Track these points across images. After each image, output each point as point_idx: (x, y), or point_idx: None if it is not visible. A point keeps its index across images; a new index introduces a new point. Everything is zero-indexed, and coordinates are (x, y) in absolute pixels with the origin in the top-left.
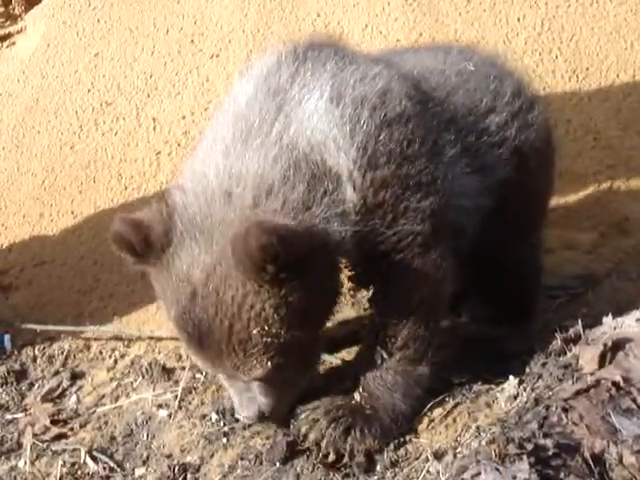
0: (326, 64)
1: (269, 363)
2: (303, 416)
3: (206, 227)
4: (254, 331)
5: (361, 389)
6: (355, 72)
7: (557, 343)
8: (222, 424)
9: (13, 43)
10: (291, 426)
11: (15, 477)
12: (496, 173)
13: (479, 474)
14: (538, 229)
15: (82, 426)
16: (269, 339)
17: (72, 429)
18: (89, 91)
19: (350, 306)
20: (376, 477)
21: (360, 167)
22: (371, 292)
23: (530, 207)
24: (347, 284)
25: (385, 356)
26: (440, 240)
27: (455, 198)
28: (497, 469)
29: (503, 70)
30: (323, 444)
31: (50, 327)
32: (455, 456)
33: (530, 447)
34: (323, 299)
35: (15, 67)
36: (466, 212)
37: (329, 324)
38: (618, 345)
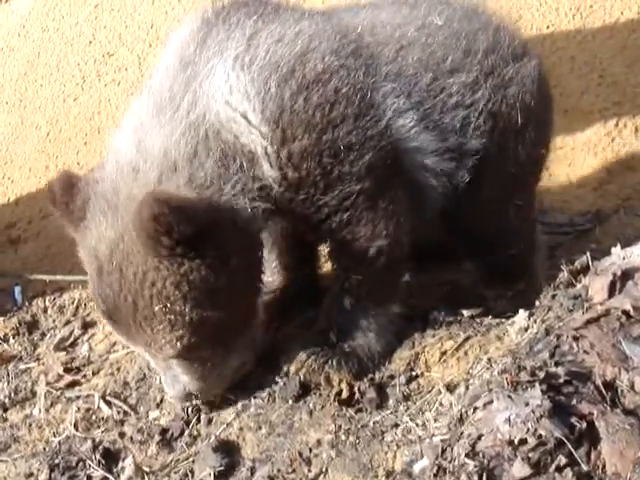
0: (240, 27)
1: (178, 343)
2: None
3: (114, 202)
4: (156, 308)
5: (336, 331)
6: (272, 33)
7: (564, 275)
8: None
9: None
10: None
11: (30, 424)
12: (462, 137)
13: (491, 402)
14: (526, 189)
15: (95, 373)
16: (173, 317)
17: (85, 376)
18: (90, 43)
19: None
20: (389, 411)
21: (273, 142)
22: (328, 247)
23: (516, 168)
24: None
25: (354, 302)
26: (387, 188)
27: (409, 153)
28: (509, 396)
29: (481, 24)
30: (302, 373)
31: (59, 277)
32: (467, 388)
33: (542, 375)
34: (236, 279)
35: (15, 21)
36: (426, 170)
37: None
38: (627, 274)
